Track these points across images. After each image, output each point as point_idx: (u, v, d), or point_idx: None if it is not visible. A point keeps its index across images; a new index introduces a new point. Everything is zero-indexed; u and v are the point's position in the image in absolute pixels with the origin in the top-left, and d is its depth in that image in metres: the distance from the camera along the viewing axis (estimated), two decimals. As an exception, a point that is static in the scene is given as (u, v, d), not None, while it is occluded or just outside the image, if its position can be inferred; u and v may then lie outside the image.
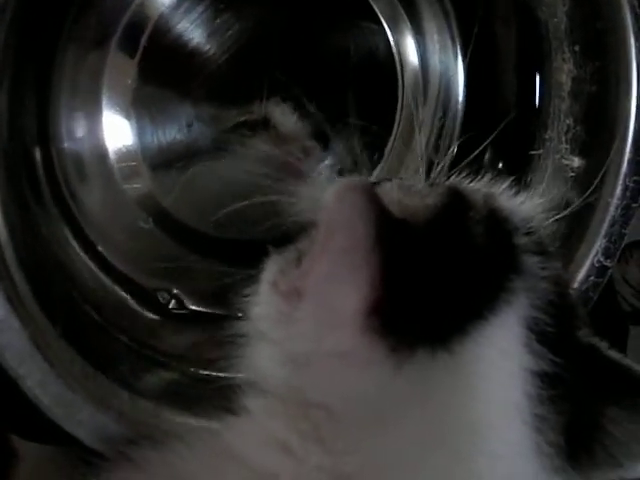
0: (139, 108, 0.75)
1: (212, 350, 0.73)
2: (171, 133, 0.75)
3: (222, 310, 0.77)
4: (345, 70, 0.78)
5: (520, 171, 0.77)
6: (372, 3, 0.80)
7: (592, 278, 0.72)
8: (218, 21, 0.76)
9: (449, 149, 0.82)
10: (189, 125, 0.76)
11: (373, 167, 0.81)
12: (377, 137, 0.79)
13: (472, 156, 0.62)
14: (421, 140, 0.78)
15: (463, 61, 0.84)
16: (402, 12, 0.82)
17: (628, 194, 0.71)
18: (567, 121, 0.76)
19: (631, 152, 0.71)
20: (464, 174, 0.59)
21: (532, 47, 0.77)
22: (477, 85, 0.84)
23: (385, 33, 0.81)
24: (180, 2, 0.75)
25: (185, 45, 0.75)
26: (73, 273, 0.72)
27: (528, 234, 0.53)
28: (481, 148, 0.65)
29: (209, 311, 0.78)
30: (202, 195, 0.76)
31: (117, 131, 0.75)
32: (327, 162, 0.76)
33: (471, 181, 0.58)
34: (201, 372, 0.72)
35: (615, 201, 0.71)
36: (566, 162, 0.76)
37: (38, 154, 0.71)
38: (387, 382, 0.46)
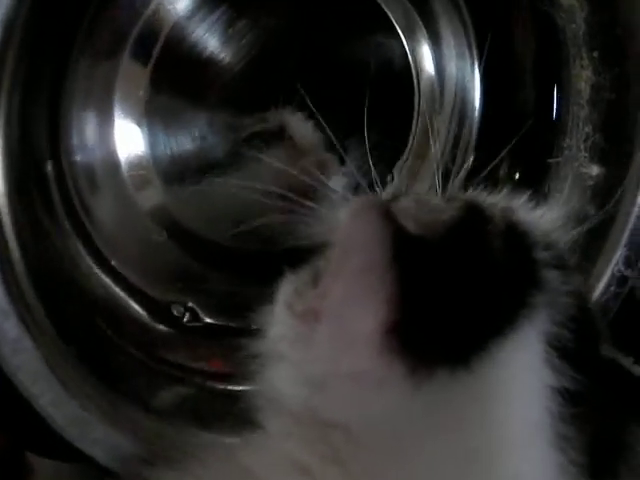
0: (151, 118, 0.74)
1: (228, 363, 0.73)
2: (184, 144, 0.75)
3: (237, 323, 0.76)
4: (360, 80, 0.77)
5: (538, 180, 0.77)
6: (387, 11, 0.79)
7: (613, 288, 0.71)
8: (232, 30, 0.75)
9: (465, 159, 0.81)
10: (202, 136, 0.75)
11: (388, 179, 0.79)
12: (392, 149, 0.78)
13: (489, 168, 0.61)
14: (437, 152, 0.77)
15: (479, 68, 0.82)
16: (418, 20, 0.81)
17: (649, 202, 0.70)
18: (586, 129, 0.75)
19: (651, 160, 0.70)
20: (481, 186, 0.57)
21: (550, 54, 0.76)
22: (494, 93, 0.83)
23: (401, 41, 0.81)
24: (194, 11, 0.74)
25: (199, 54, 0.75)
26: (87, 289, 0.71)
27: (548, 248, 0.52)
28: (498, 159, 0.64)
29: (224, 324, 0.77)
30: (216, 207, 0.76)
31: (129, 142, 0.74)
32: (342, 176, 0.75)
33: (488, 194, 0.56)
34: (218, 386, 0.72)
35: (635, 210, 0.70)
36: (585, 171, 0.75)
37: (50, 168, 0.70)
38: (406, 402, 0.46)
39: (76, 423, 0.58)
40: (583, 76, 0.74)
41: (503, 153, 0.66)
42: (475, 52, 0.82)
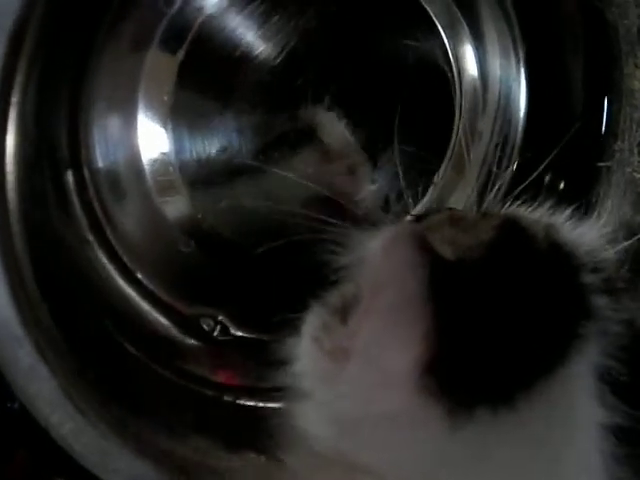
0: (177, 120, 0.72)
1: (260, 379, 0.72)
2: (211, 147, 0.73)
3: (270, 336, 0.73)
4: (397, 80, 0.75)
5: (587, 187, 0.74)
6: (427, 7, 0.76)
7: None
8: (265, 27, 0.73)
9: (509, 164, 0.78)
10: (230, 139, 0.73)
11: (424, 187, 0.77)
12: (431, 154, 0.75)
13: (530, 179, 0.59)
14: (473, 164, 0.76)
15: (525, 68, 0.79)
16: (460, 16, 0.78)
17: None
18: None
19: None
20: (521, 200, 0.54)
21: (600, 52, 0.73)
22: (540, 93, 0.79)
23: (442, 39, 0.77)
24: (225, 7, 0.72)
25: (229, 52, 0.73)
26: (110, 303, 0.70)
27: (596, 270, 0.48)
28: (541, 168, 0.60)
29: (256, 337, 0.75)
30: (245, 216, 0.73)
31: (154, 146, 0.72)
32: (373, 187, 0.73)
33: (529, 208, 0.53)
34: (248, 403, 0.71)
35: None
36: (638, 176, 0.71)
37: (70, 178, 0.69)
38: (443, 446, 0.44)
39: (96, 452, 0.57)
40: (637, 75, 0.71)
41: (547, 161, 0.62)
42: (520, 51, 0.79)
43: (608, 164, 0.74)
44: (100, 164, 0.70)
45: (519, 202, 0.54)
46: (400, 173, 0.62)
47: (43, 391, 0.55)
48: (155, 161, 0.72)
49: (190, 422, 0.66)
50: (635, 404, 0.45)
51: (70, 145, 0.69)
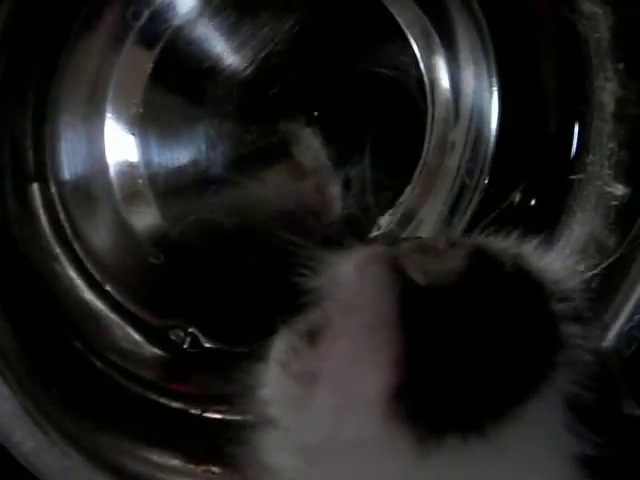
0: (146, 131, 0.72)
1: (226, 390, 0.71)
2: (180, 159, 0.73)
3: (239, 347, 0.74)
4: (370, 92, 0.76)
5: (558, 198, 0.75)
6: (398, 19, 0.77)
7: (637, 317, 0.68)
8: (236, 36, 0.73)
9: (480, 179, 0.79)
10: (200, 150, 0.73)
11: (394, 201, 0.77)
12: (401, 171, 0.75)
13: (496, 212, 0.60)
14: (446, 175, 0.77)
15: (498, 79, 0.79)
16: (432, 29, 0.78)
17: (677, 225, 0.68)
18: (610, 145, 0.72)
19: (679, 181, 0.68)
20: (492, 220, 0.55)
21: (572, 65, 0.73)
22: (513, 105, 0.79)
23: (414, 52, 0.78)
24: (196, 15, 0.72)
25: (200, 61, 0.73)
26: (76, 318, 0.71)
27: (564, 299, 0.49)
28: (505, 205, 0.62)
29: (225, 349, 0.75)
30: (215, 228, 0.73)
31: (122, 157, 0.72)
32: (342, 205, 0.74)
33: (496, 237, 0.53)
34: (214, 416, 0.71)
35: (662, 233, 0.68)
36: (609, 190, 0.72)
37: (36, 191, 0.69)
38: (412, 473, 0.43)
39: (58, 470, 0.58)
40: (607, 88, 0.71)
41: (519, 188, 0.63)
42: (493, 62, 0.79)
43: (580, 177, 0.74)
44: (67, 176, 0.70)
45: (490, 226, 0.54)
46: (369, 191, 0.63)
47: (4, 410, 0.56)
48: (124, 173, 0.72)
49: (155, 436, 0.67)
50: (603, 432, 0.45)
51: (35, 158, 0.69)
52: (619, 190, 0.71)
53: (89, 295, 0.72)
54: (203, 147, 0.73)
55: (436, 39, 0.79)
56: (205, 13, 0.72)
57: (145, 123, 0.72)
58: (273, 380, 0.48)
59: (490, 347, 0.45)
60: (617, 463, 0.46)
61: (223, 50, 0.73)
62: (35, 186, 0.68)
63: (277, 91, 0.74)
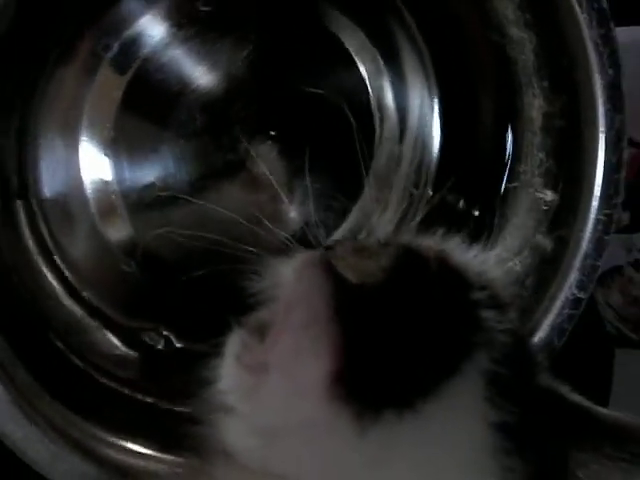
0: (118, 151, 0.76)
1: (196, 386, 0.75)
2: (149, 176, 0.77)
3: (207, 347, 0.77)
4: (322, 110, 0.80)
5: (496, 205, 0.79)
6: (348, 47, 0.82)
7: (567, 310, 0.73)
8: (203, 62, 0.78)
9: (425, 190, 0.85)
10: (166, 168, 0.77)
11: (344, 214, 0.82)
12: (351, 186, 0.80)
13: (423, 214, 0.66)
14: (372, 193, 0.81)
15: (439, 98, 0.85)
16: (377, 54, 0.84)
17: (600, 227, 0.73)
18: (540, 155, 0.77)
19: (601, 186, 0.72)
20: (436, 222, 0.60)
21: (505, 83, 0.78)
22: (454, 121, 0.85)
23: (361, 74, 0.83)
24: (165, 45, 0.77)
25: (168, 85, 0.77)
26: (59, 322, 0.73)
27: (483, 288, 0.53)
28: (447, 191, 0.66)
29: (195, 348, 0.79)
30: (181, 238, 0.76)
31: (96, 173, 0.76)
32: (294, 216, 0.78)
33: (424, 236, 0.59)
34: (185, 410, 0.73)
35: (587, 235, 0.73)
36: (540, 196, 0.77)
37: (20, 208, 0.73)
38: (355, 447, 0.47)
39: (47, 457, 0.62)
40: (535, 104, 0.76)
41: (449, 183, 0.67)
42: (434, 83, 0.85)
43: (514, 184, 0.79)
44: (47, 194, 0.74)
45: (414, 231, 0.60)
46: (311, 205, 0.67)
47: None
48: (98, 190, 0.76)
49: (131, 427, 0.70)
50: (519, 402, 0.50)
51: (19, 178, 0.72)
52: (548, 196, 0.76)
53: (69, 301, 0.75)
54: (170, 165, 0.77)
55: (382, 64, 0.83)
56: (172, 44, 0.76)
57: (117, 144, 0.75)
58: (229, 372, 0.52)
59: (416, 332, 0.49)
60: (531, 428, 0.51)
61: (189, 76, 0.76)
62: (19, 203, 0.72)
63: (237, 112, 0.78)
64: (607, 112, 0.71)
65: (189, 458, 0.64)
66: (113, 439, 0.68)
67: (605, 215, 0.73)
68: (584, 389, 0.80)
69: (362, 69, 0.83)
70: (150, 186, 0.77)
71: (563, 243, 0.74)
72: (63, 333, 0.73)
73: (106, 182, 0.76)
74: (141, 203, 0.77)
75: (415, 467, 0.48)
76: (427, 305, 0.51)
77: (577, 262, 0.73)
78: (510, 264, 0.77)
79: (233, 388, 0.52)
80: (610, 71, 0.70)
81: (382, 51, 0.83)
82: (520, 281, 0.77)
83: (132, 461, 0.68)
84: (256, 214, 0.70)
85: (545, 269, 0.75)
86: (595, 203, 0.72)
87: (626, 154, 0.72)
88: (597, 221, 0.73)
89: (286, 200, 0.77)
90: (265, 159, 0.79)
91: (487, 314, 0.52)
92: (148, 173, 0.77)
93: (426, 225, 0.71)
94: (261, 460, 0.49)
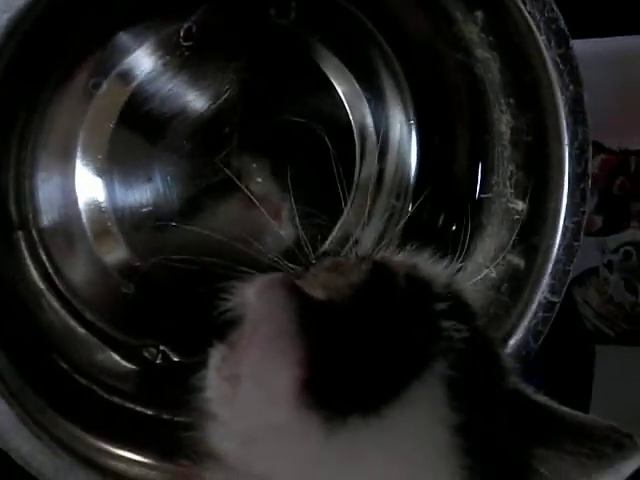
0: (111, 172, 0.79)
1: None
2: (142, 199, 0.80)
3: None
4: (308, 132, 0.82)
5: (470, 215, 0.82)
6: (330, 77, 0.86)
7: (541, 314, 0.77)
8: (193, 89, 0.80)
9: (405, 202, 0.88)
10: (158, 187, 0.80)
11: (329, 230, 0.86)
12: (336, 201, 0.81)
13: (401, 225, 0.67)
14: (349, 209, 0.84)
15: (415, 117, 0.89)
16: (355, 81, 0.87)
17: (568, 234, 0.77)
18: (510, 167, 0.81)
19: (568, 195, 0.76)
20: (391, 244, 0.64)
21: (475, 100, 0.82)
22: (430, 138, 0.89)
23: (342, 101, 0.86)
24: (156, 77, 0.79)
25: (160, 111, 0.79)
26: (62, 343, 0.77)
27: (446, 299, 0.57)
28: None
29: (191, 361, 0.81)
30: (175, 259, 0.79)
31: (93, 204, 0.79)
32: (282, 233, 0.80)
33: (397, 252, 0.63)
34: (184, 420, 0.74)
35: (557, 242, 0.77)
36: (512, 206, 0.81)
37: (21, 238, 0.76)
38: (321, 452, 0.50)
39: (51, 469, 0.66)
40: (503, 120, 0.80)
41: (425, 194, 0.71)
42: (410, 103, 0.89)
43: (488, 195, 0.83)
44: (46, 223, 0.77)
45: (389, 248, 0.63)
46: (298, 222, 0.71)
47: (2, 421, 0.63)
48: (94, 216, 0.78)
49: (132, 438, 0.73)
50: (480, 404, 0.54)
51: (18, 208, 0.75)
52: (519, 206, 0.80)
53: (72, 323, 0.78)
54: (161, 188, 0.79)
55: (362, 90, 0.87)
56: (161, 75, 0.78)
57: (110, 170, 0.78)
58: (211, 383, 0.56)
59: (379, 343, 0.53)
60: (492, 428, 0.54)
61: (178, 103, 0.79)
62: (19, 234, 0.75)
63: (225, 136, 0.81)
64: (570, 126, 0.75)
65: (187, 464, 0.67)
66: (115, 450, 0.72)
67: (574, 223, 0.77)
68: (567, 383, 0.85)
69: (342, 96, 0.87)
70: (142, 209, 0.80)
71: (535, 250, 0.78)
72: (67, 353, 0.77)
73: (101, 208, 0.78)
74: (135, 226, 0.80)
75: (381, 467, 0.51)
76: (391, 317, 0.55)
77: (549, 268, 0.77)
78: (486, 271, 0.80)
79: (215, 397, 0.55)
80: (571, 87, 0.74)
81: (359, 74, 0.87)
82: (496, 287, 0.81)
83: (134, 471, 0.72)
84: (244, 235, 0.73)
85: (518, 275, 0.79)
86: (563, 212, 0.77)
87: (591, 164, 0.76)
88: (566, 228, 0.77)
89: (273, 220, 0.79)
90: (253, 180, 0.82)
91: (447, 324, 0.56)
92: (141, 197, 0.79)
93: (405, 238, 0.76)
94: (242, 462, 0.53)
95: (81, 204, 0.78)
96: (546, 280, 0.77)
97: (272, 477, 0.51)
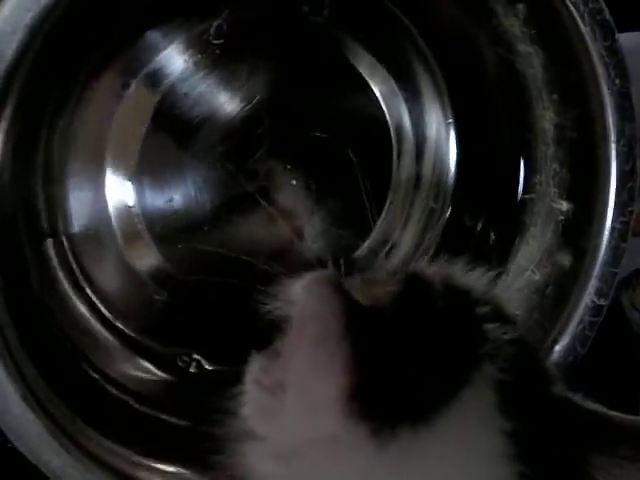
0: (142, 177, 0.78)
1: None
2: (174, 199, 0.78)
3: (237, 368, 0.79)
4: (342, 136, 0.81)
5: (514, 216, 0.81)
6: (365, 76, 0.84)
7: (587, 317, 0.75)
8: (224, 91, 0.79)
9: (444, 205, 0.86)
10: (190, 194, 0.79)
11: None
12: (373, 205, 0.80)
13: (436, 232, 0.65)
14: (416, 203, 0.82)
15: (454, 115, 0.87)
16: (392, 80, 0.85)
17: (616, 235, 0.74)
18: (553, 166, 0.78)
19: (615, 194, 0.74)
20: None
21: (517, 97, 0.79)
22: (470, 137, 0.87)
23: (379, 102, 0.85)
24: (187, 77, 0.78)
25: (191, 114, 0.78)
26: (92, 352, 0.75)
27: (486, 303, 0.55)
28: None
29: (225, 369, 0.81)
30: (209, 265, 0.78)
31: (123, 208, 0.78)
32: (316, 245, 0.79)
33: (430, 264, 0.61)
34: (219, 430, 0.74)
35: (604, 243, 0.74)
36: (556, 206, 0.78)
37: (50, 246, 0.74)
38: (372, 464, 0.48)
39: None
40: (546, 117, 0.77)
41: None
42: (447, 103, 0.87)
43: (531, 196, 0.80)
44: (76, 229, 0.76)
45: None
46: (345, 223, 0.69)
47: (32, 434, 0.62)
48: (125, 223, 0.78)
49: (165, 450, 0.72)
50: (530, 410, 0.52)
51: (48, 214, 0.74)
52: (564, 206, 0.78)
53: (103, 332, 0.77)
54: (192, 192, 0.78)
55: (398, 89, 0.86)
56: (191, 76, 0.77)
57: (141, 174, 0.77)
58: (249, 396, 0.53)
59: (426, 349, 0.51)
60: (545, 434, 0.52)
61: (211, 106, 0.78)
62: (49, 241, 0.74)
63: (258, 140, 0.79)
64: (617, 122, 0.72)
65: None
66: (147, 462, 0.70)
67: (621, 223, 0.74)
68: (615, 389, 0.82)
69: (376, 90, 0.85)
70: (174, 213, 0.79)
71: (580, 252, 0.76)
72: (97, 362, 0.75)
73: (131, 212, 0.77)
74: (166, 231, 0.79)
75: (432, 479, 0.49)
76: (433, 322, 0.53)
77: (595, 270, 0.75)
78: (529, 274, 0.77)
79: (253, 412, 0.53)
80: (617, 81, 0.72)
81: (395, 73, 0.85)
82: (540, 291, 0.78)
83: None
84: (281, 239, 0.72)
85: (564, 278, 0.77)
86: (610, 212, 0.74)
87: (639, 162, 0.74)
88: (613, 229, 0.74)
89: (312, 229, 0.79)
90: (281, 188, 0.80)
91: (492, 326, 0.54)
92: (172, 201, 0.78)
93: (444, 241, 0.74)
94: None
95: (111, 209, 0.77)
96: (593, 283, 0.75)
97: None
